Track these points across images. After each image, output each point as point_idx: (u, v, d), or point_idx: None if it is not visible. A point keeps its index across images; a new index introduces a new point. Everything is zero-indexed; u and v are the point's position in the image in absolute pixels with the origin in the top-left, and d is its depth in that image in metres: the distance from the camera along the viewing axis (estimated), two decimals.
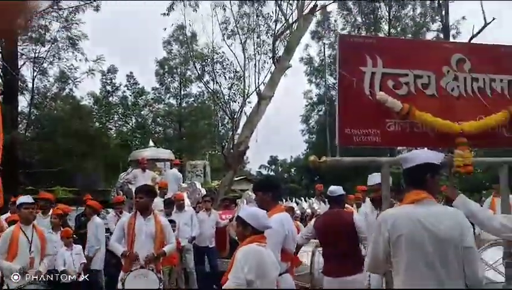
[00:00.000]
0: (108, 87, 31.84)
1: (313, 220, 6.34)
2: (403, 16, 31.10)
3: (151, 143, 18.39)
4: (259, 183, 5.33)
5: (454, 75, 4.23)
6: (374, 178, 5.56)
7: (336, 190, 5.62)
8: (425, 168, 3.09)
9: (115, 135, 31.39)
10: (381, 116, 4.06)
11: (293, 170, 45.31)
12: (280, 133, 64.56)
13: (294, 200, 14.72)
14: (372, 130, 4.04)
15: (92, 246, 7.90)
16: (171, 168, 13.88)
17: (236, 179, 19.20)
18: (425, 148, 3.29)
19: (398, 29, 30.30)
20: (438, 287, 2.88)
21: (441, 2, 24.72)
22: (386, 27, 30.59)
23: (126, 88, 32.72)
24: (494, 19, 16.98)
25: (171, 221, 7.24)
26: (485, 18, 16.91)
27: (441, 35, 26.61)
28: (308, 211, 12.19)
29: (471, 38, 16.74)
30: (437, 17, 29.02)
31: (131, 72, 32.98)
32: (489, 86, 4.30)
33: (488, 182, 20.73)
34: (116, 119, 32.04)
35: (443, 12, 25.67)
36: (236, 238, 4.47)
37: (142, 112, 32.97)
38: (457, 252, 2.93)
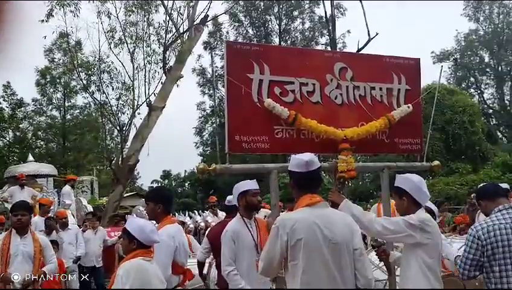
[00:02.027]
0: None
1: (208, 231, 6.34)
2: (293, 29, 32.48)
3: (30, 158, 17.32)
4: (150, 193, 5.29)
5: (337, 83, 4.46)
6: None
7: (232, 199, 5.70)
8: (318, 171, 3.27)
9: None
10: (270, 123, 4.18)
11: (187, 184, 44.94)
12: (173, 146, 63.79)
13: (187, 214, 14.63)
14: (261, 137, 4.14)
15: None
16: (65, 185, 13.02)
17: (126, 194, 18.66)
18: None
19: (288, 42, 31.57)
20: (333, 287, 3.02)
21: (328, 17, 26.08)
22: (277, 40, 31.70)
23: (2, 99, 30.53)
24: (377, 34, 18.19)
25: (52, 241, 6.86)
26: (369, 33, 18.07)
27: (329, 48, 28.06)
28: (202, 224, 12.16)
29: (357, 51, 17.81)
30: (325, 31, 30.70)
31: (8, 82, 30.87)
32: (370, 94, 4.59)
33: (375, 191, 22.09)
34: None
35: (330, 27, 27.12)
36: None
37: (20, 125, 30.89)
38: (349, 253, 3.10)
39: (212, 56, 30.48)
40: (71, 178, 13.03)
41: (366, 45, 18.20)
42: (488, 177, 18.55)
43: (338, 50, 27.24)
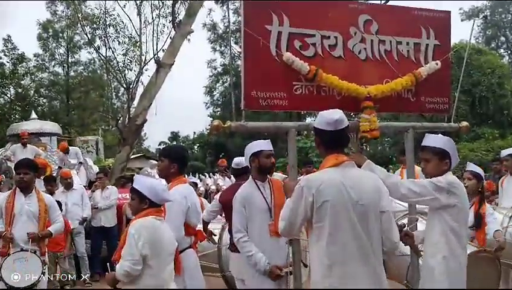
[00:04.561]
0: None
1: (218, 194, 6.38)
2: None
3: (33, 115, 17.44)
4: (166, 151, 5.30)
5: (362, 36, 4.37)
6: None
7: (241, 161, 5.69)
8: (347, 130, 3.27)
9: None
10: (288, 79, 4.13)
11: (196, 146, 45.11)
12: (182, 106, 63.79)
13: (198, 176, 14.74)
14: (279, 93, 4.10)
15: None
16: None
17: (133, 156, 18.79)
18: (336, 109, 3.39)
19: None
20: (360, 251, 3.07)
21: None
22: None
23: (3, 54, 30.57)
24: None
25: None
26: None
27: None
28: (213, 187, 12.28)
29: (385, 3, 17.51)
30: None
31: (8, 36, 30.85)
32: (396, 48, 4.51)
33: (395, 157, 22.04)
34: None
35: None
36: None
37: (22, 82, 31.00)
38: (376, 215, 3.13)
39: (228, 9, 29.85)
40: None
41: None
42: None
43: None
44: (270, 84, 4.08)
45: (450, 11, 4.83)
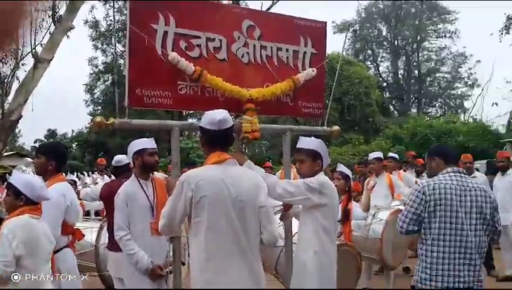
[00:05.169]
0: None
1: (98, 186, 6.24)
2: None
3: None
4: (44, 147, 5.11)
5: (245, 41, 4.47)
6: None
7: (121, 159, 5.59)
8: (231, 129, 3.33)
9: None
10: (174, 78, 4.11)
11: (74, 145, 43.04)
12: (60, 103, 60.52)
13: (76, 175, 14.16)
14: (164, 92, 4.06)
15: None
16: None
17: (6, 153, 17.51)
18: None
19: None
20: (237, 246, 3.13)
21: None
22: None
23: None
24: None
25: None
26: None
27: None
28: (92, 186, 11.86)
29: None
30: None
31: None
32: (277, 54, 4.67)
33: (271, 158, 22.73)
34: None
35: None
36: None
37: None
38: (254, 211, 3.21)
39: (113, 7, 28.89)
40: None
41: (270, 8, 18.42)
42: (379, 148, 19.78)
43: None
44: (155, 82, 4.04)
45: (326, 22, 5.08)
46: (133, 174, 4.65)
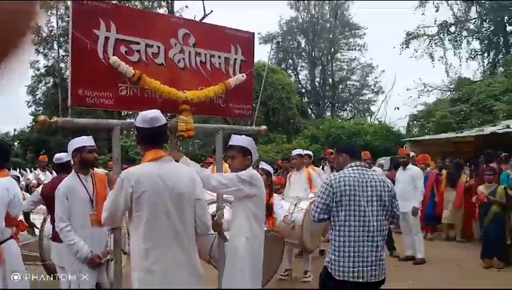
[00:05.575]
0: None
1: (40, 187, 5.98)
2: None
3: None
4: None
5: (181, 48, 4.44)
6: None
7: (62, 157, 5.42)
8: (163, 127, 3.30)
9: None
10: (114, 80, 4.01)
11: (16, 143, 40.92)
12: (2, 102, 57.07)
13: (19, 171, 13.50)
14: (105, 93, 3.96)
15: None
16: None
17: None
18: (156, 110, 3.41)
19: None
20: (175, 236, 3.13)
21: None
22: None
23: None
24: (211, 11, 18.49)
25: None
26: (204, 10, 18.28)
27: None
28: (34, 181, 11.40)
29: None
30: (163, 3, 30.15)
31: None
32: (210, 61, 4.67)
33: (204, 156, 22.66)
34: None
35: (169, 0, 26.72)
36: None
37: None
38: (191, 203, 3.21)
39: (56, 14, 27.80)
40: None
41: (202, 19, 18.35)
42: (299, 146, 20.21)
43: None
44: (97, 84, 3.92)
45: (254, 33, 5.14)
46: (73, 170, 4.50)
